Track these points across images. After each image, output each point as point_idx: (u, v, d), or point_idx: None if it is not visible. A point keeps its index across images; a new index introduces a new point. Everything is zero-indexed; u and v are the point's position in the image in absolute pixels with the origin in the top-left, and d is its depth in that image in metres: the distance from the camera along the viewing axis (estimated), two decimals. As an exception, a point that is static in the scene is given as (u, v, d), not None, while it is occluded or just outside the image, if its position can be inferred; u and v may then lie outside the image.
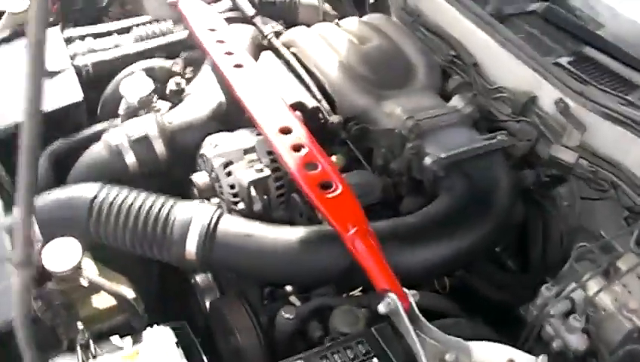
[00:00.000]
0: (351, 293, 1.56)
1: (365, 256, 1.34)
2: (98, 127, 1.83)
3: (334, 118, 1.78)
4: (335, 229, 1.39)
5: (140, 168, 1.71)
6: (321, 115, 1.80)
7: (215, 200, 1.63)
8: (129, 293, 1.54)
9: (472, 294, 1.76)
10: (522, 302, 1.49)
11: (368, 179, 1.63)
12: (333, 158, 1.75)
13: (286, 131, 1.58)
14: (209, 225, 1.47)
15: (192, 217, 1.49)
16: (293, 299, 1.57)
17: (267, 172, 1.58)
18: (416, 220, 1.53)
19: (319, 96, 1.84)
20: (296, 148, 1.54)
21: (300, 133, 1.58)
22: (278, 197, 1.64)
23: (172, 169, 1.78)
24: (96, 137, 1.75)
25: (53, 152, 1.79)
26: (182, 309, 1.82)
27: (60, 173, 1.77)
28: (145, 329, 1.49)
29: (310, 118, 1.76)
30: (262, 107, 1.66)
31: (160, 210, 1.51)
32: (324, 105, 1.81)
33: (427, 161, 1.59)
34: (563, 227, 1.71)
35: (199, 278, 1.68)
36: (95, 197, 1.56)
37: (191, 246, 1.47)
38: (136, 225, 1.50)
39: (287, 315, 1.43)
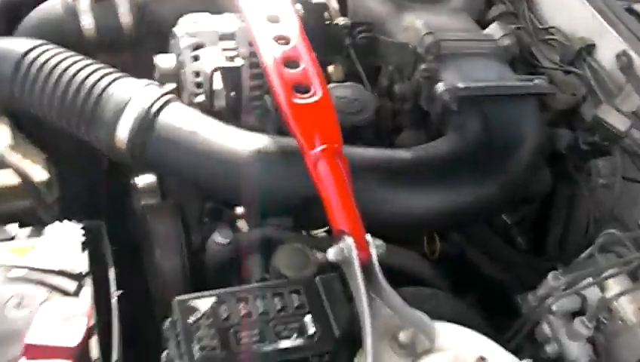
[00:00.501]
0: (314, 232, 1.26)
1: (326, 182, 1.02)
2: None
3: (340, 20, 1.44)
4: (298, 143, 1.08)
5: (99, 35, 1.40)
6: (327, 14, 1.47)
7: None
8: (39, 175, 1.26)
9: (468, 268, 1.45)
10: (526, 289, 1.18)
11: (361, 94, 1.29)
12: (330, 68, 1.43)
13: (274, 20, 1.26)
14: (149, 108, 1.17)
15: (131, 97, 1.18)
16: (241, 224, 1.28)
17: (240, 62, 1.26)
18: (410, 156, 1.21)
19: (330, -7, 1.51)
20: (280, 40, 1.21)
21: (290, 25, 1.25)
22: (250, 100, 1.33)
23: (138, 45, 1.47)
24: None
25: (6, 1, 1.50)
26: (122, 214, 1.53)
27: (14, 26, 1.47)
28: (53, 222, 1.23)
29: (313, 14, 1.43)
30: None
31: (99, 80, 1.22)
32: (334, 2, 1.48)
33: (439, 87, 1.27)
34: (593, 209, 1.37)
35: (140, 179, 1.38)
36: (27, 52, 1.27)
37: (122, 132, 1.17)
38: (66, 93, 1.21)
39: (219, 239, 1.13)
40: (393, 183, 1.17)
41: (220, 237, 1.12)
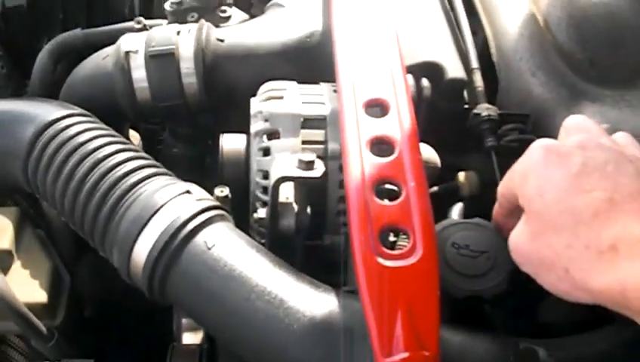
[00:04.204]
0: None
1: None
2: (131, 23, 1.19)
3: (484, 108, 0.99)
4: (369, 333, 0.67)
5: (153, 99, 1.06)
6: (465, 94, 1.04)
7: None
8: (37, 295, 0.94)
9: None
10: None
11: (493, 243, 0.80)
12: (461, 176, 0.99)
13: (377, 109, 0.84)
14: (180, 229, 0.81)
15: (159, 208, 0.83)
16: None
17: (320, 171, 0.86)
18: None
19: (475, 63, 1.05)
20: (380, 144, 0.80)
21: (400, 121, 0.83)
22: (338, 214, 0.93)
23: (201, 117, 1.12)
24: (119, 35, 1.12)
25: (60, 44, 1.19)
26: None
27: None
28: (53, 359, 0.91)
29: (443, 94, 1.00)
30: (358, 53, 0.91)
31: (126, 175, 0.87)
32: (478, 80, 1.03)
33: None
34: None
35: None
36: (50, 124, 0.95)
37: (139, 255, 0.82)
38: (80, 186, 0.88)
39: None
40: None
41: None
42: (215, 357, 0.94)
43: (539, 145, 0.71)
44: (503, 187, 0.77)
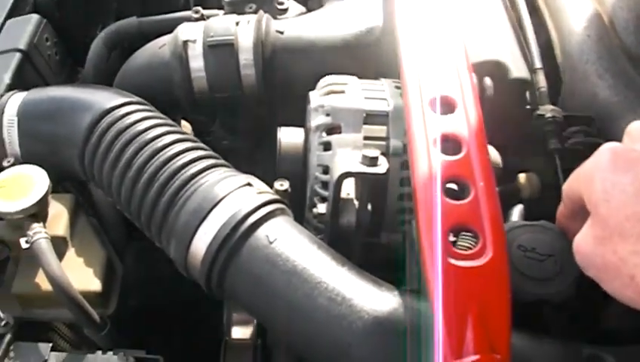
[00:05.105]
0: None
1: None
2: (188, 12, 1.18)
3: (548, 110, 0.97)
4: (435, 335, 0.65)
5: (210, 90, 1.05)
6: (527, 96, 1.02)
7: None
8: (92, 283, 0.93)
9: None
10: None
11: (560, 246, 0.79)
12: (521, 177, 0.97)
13: (445, 106, 0.83)
14: (241, 222, 0.80)
15: (220, 201, 0.82)
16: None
17: (384, 167, 0.85)
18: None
19: (538, 63, 1.03)
20: (447, 142, 0.78)
21: (467, 118, 0.81)
22: (398, 213, 0.91)
23: (260, 109, 1.10)
24: (176, 24, 1.11)
25: (114, 32, 1.18)
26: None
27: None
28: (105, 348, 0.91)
29: (507, 94, 0.98)
30: (423, 50, 0.89)
31: (186, 165, 0.87)
32: (541, 80, 1.01)
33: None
34: None
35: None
36: (108, 112, 0.94)
37: (198, 248, 0.81)
38: (138, 175, 0.88)
39: None
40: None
41: None
42: (268, 352, 0.93)
43: (607, 149, 0.68)
44: (568, 188, 0.75)
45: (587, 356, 0.75)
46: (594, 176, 0.68)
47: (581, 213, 0.72)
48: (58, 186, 1.11)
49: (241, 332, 0.99)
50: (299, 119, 1.01)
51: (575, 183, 0.73)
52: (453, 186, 0.76)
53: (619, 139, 0.74)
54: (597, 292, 0.77)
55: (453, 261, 0.68)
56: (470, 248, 0.70)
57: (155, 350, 0.93)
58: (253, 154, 1.18)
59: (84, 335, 0.95)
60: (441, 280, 0.67)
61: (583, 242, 0.69)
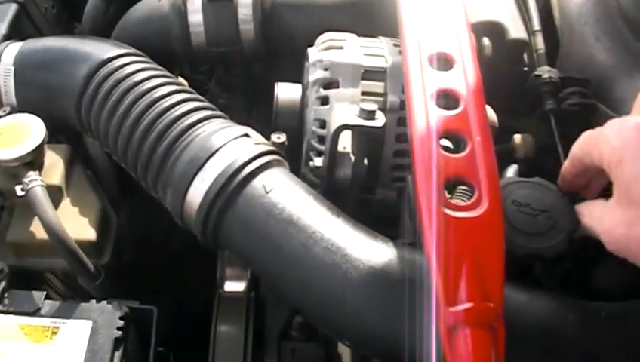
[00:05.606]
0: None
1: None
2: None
3: (545, 70, 0.98)
4: (431, 281, 0.66)
5: (208, 44, 1.04)
6: (525, 58, 1.02)
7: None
8: (86, 232, 0.93)
9: None
10: None
11: (554, 203, 0.78)
12: (517, 138, 0.98)
13: (443, 62, 0.83)
14: (237, 172, 0.80)
15: (216, 151, 0.82)
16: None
17: (381, 121, 0.85)
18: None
19: (537, 25, 1.03)
20: (445, 97, 0.79)
21: (465, 75, 0.81)
22: (393, 169, 0.92)
23: (257, 66, 1.10)
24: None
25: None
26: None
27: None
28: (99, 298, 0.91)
29: (505, 55, 0.98)
30: (422, 7, 0.88)
31: (183, 115, 0.87)
32: (539, 42, 1.01)
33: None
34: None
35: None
36: (105, 62, 0.94)
37: (194, 198, 0.82)
38: (135, 125, 0.88)
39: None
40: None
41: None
42: (261, 305, 0.94)
43: (633, 126, 0.65)
44: (579, 150, 0.73)
45: (579, 308, 0.76)
46: (623, 155, 0.65)
47: (589, 174, 0.72)
48: (52, 139, 1.11)
49: (234, 286, 1.00)
50: (296, 77, 1.01)
51: (587, 147, 0.71)
52: (450, 145, 0.77)
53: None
54: (588, 251, 0.79)
55: (448, 211, 0.69)
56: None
57: (148, 303, 0.94)
58: (249, 112, 1.18)
59: (78, 288, 0.95)
60: (437, 230, 0.68)
61: (615, 225, 0.67)
